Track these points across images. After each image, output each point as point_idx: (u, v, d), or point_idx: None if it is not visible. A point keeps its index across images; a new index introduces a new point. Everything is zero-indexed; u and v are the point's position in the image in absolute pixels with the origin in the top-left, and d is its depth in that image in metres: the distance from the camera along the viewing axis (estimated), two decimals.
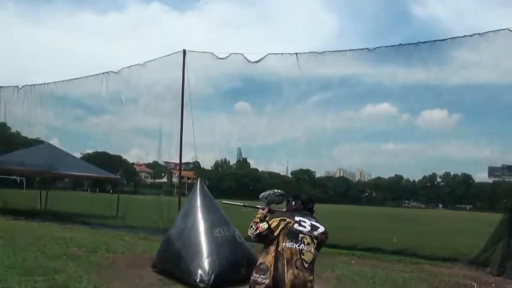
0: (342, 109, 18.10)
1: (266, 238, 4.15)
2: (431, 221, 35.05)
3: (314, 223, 4.21)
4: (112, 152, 39.87)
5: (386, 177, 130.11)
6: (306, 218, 4.20)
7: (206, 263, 7.86)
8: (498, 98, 14.71)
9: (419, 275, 10.05)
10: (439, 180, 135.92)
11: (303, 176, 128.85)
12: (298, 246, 4.00)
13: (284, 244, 4.01)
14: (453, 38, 12.42)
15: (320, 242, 4.17)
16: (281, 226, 4.08)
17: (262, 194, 4.76)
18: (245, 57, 16.04)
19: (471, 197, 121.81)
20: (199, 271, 7.74)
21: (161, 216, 16.74)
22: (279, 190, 4.79)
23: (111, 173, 28.69)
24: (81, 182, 72.98)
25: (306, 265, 3.98)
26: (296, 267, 3.94)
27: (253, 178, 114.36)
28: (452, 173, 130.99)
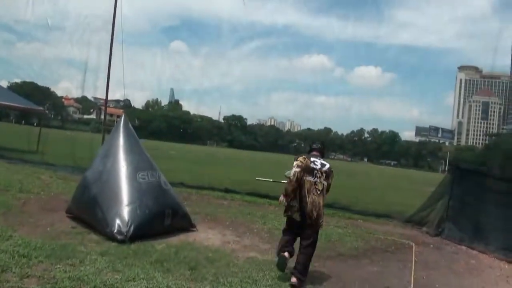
0: (281, 58, 17.37)
1: (303, 172, 5.74)
2: (359, 175, 35.74)
3: (322, 161, 5.96)
4: (41, 83, 37.14)
5: (316, 129, 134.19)
6: (317, 159, 5.95)
7: (125, 212, 6.86)
8: (433, 62, 14.54)
9: (354, 231, 9.78)
10: (366, 135, 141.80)
11: (235, 122, 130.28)
12: (313, 179, 5.76)
13: (304, 178, 5.72)
14: None
15: (328, 174, 5.90)
16: (305, 161, 5.81)
17: (287, 172, 5.96)
18: None
19: (396, 154, 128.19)
20: (117, 221, 6.74)
21: (83, 155, 15.55)
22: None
23: (36, 106, 26.64)
24: (7, 113, 68.62)
25: (319, 192, 5.75)
26: (313, 194, 5.71)
27: (184, 120, 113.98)
28: (379, 130, 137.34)
